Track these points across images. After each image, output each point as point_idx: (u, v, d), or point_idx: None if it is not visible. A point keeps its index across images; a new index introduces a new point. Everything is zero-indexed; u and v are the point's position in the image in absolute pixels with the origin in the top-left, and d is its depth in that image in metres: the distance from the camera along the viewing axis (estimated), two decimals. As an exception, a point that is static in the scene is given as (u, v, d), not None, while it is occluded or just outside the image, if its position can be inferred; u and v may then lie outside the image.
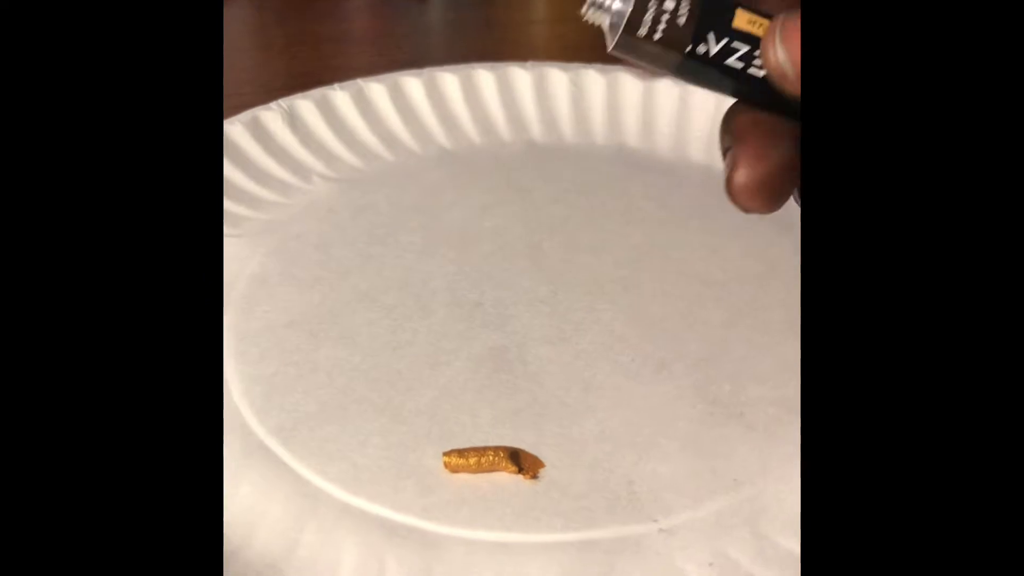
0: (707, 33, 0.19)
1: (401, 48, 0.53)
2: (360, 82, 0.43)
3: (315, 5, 0.58)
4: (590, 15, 0.20)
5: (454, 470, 0.27)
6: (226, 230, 0.35)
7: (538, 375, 0.30)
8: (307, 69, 0.50)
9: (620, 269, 0.35)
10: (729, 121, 0.19)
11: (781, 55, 0.18)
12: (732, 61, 0.19)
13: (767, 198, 0.19)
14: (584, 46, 0.52)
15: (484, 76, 0.44)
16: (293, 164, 0.40)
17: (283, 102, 0.41)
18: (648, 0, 0.19)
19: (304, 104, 0.42)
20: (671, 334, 0.32)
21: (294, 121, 0.41)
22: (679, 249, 0.36)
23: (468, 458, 0.27)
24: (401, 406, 0.29)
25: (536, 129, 0.43)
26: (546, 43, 0.55)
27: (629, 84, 0.44)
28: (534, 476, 0.27)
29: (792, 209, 0.38)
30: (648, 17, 0.19)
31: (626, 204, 0.38)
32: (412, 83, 0.43)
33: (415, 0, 0.58)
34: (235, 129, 0.40)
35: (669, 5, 0.19)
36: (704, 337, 0.32)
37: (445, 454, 0.27)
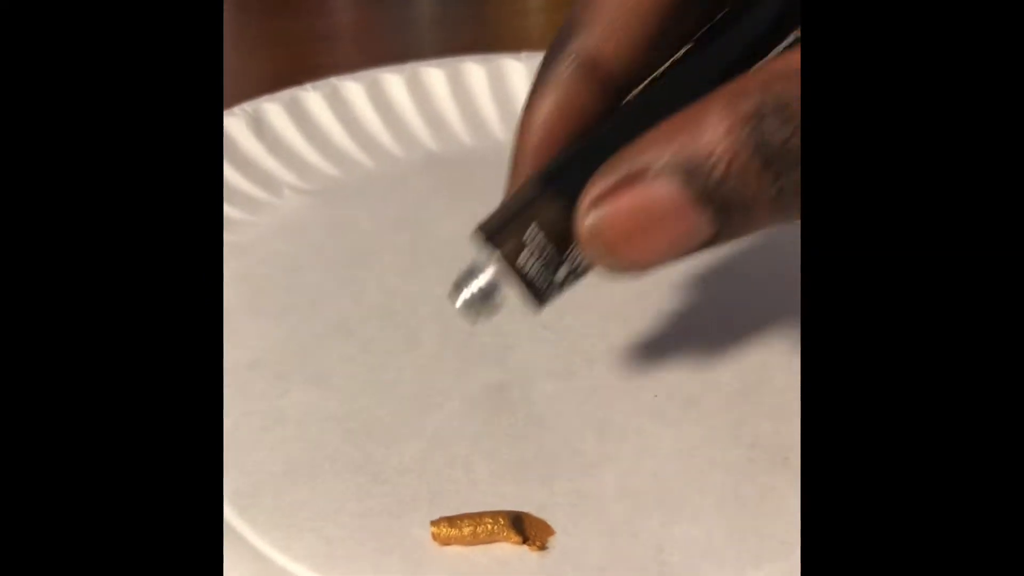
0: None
1: (384, 44, 0.49)
2: (334, 81, 0.38)
3: (292, 1, 0.54)
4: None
5: (445, 542, 0.22)
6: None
7: (545, 418, 0.26)
8: (280, 70, 0.45)
9: (638, 286, 0.30)
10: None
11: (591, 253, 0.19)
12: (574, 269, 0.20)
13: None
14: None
15: (473, 70, 0.40)
16: (261, 176, 0.35)
17: (247, 106, 0.37)
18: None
19: (271, 108, 0.37)
20: (699, 362, 0.27)
21: (261, 127, 0.36)
22: (706, 259, 0.31)
23: (462, 527, 0.22)
24: (383, 462, 0.24)
25: (534, 127, 0.39)
26: (542, 33, 0.51)
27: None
28: (542, 546, 0.22)
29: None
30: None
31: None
32: (393, 80, 0.39)
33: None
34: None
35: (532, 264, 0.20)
36: (739, 364, 0.27)
37: (433, 523, 0.23)
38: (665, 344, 0.28)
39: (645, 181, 0.17)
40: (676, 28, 0.19)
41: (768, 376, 0.27)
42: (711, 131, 0.16)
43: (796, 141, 0.16)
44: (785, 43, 0.19)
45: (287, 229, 0.33)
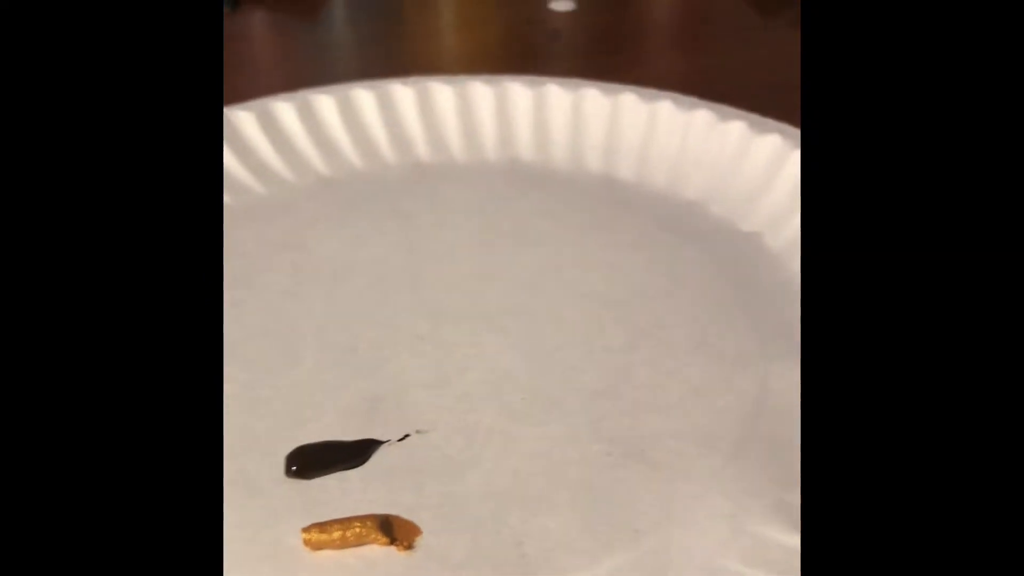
0: None
1: (297, 68, 0.50)
2: (226, 111, 0.39)
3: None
4: None
5: (317, 547, 0.23)
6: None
7: (417, 425, 0.27)
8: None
9: (511, 296, 0.32)
10: None
11: None
12: None
13: None
14: (482, 57, 0.49)
15: (363, 96, 0.41)
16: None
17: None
18: None
19: (163, 138, 0.38)
20: (566, 365, 0.29)
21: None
22: (576, 269, 0.33)
23: (331, 532, 0.23)
24: (257, 475, 0.25)
25: (423, 149, 0.40)
26: (455, 52, 0.52)
27: (519, 93, 0.41)
28: (409, 546, 0.23)
29: (696, 219, 0.36)
30: None
31: (518, 223, 0.35)
32: (284, 108, 0.40)
33: (308, 18, 0.55)
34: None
35: None
36: (602, 366, 0.29)
37: (304, 530, 0.23)
38: (535, 350, 0.29)
39: None
40: None
41: (630, 375, 0.28)
42: None
43: None
44: None
45: (176, 256, 0.34)
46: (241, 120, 0.39)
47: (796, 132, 0.37)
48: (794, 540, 0.23)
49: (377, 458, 0.26)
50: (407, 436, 0.26)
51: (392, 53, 0.51)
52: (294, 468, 0.25)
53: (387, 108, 0.41)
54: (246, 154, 0.39)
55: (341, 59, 0.51)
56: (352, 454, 0.26)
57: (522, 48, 0.50)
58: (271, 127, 0.39)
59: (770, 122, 0.38)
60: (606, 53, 0.50)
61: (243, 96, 0.43)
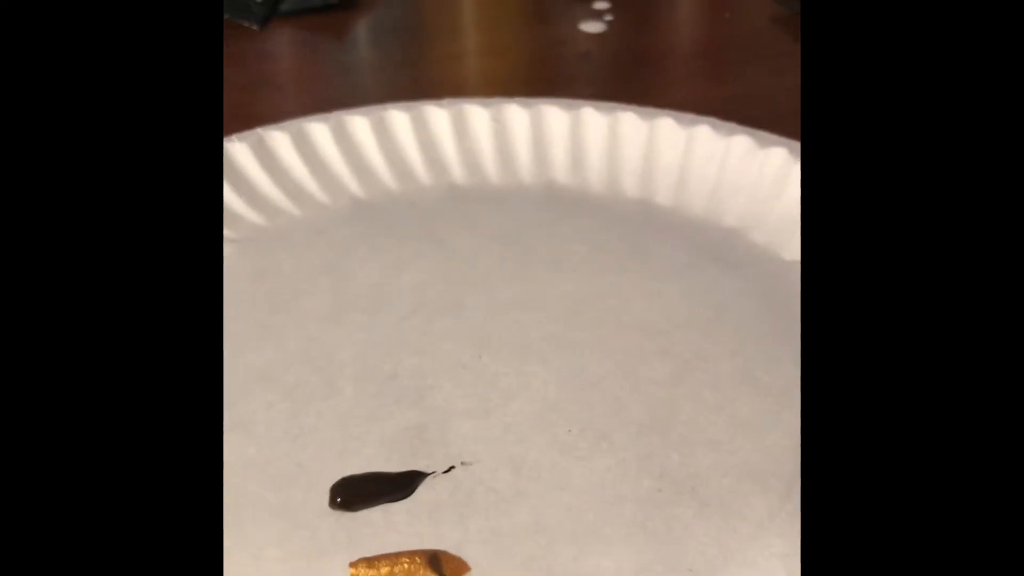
0: None
1: (321, 91, 0.49)
2: (260, 131, 0.39)
3: (225, 48, 0.54)
4: None
5: (363, 583, 0.23)
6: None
7: (461, 457, 0.26)
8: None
9: (552, 324, 0.31)
10: None
11: None
12: None
13: None
14: (511, 79, 0.49)
15: (398, 117, 0.41)
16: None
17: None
18: None
19: (198, 159, 0.38)
20: (611, 397, 0.28)
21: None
22: (616, 297, 0.32)
23: (379, 568, 0.23)
24: (302, 507, 0.25)
25: (457, 172, 0.40)
26: (477, 77, 0.52)
27: (554, 116, 0.41)
28: (458, 583, 0.23)
29: (737, 247, 0.35)
30: None
31: (557, 249, 0.35)
32: (319, 129, 0.40)
33: (335, 39, 0.55)
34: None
35: None
36: (648, 398, 0.28)
37: (352, 565, 0.23)
38: (579, 380, 0.29)
39: None
40: None
41: (676, 408, 0.28)
42: None
43: None
44: None
45: (212, 278, 0.34)
46: (275, 140, 0.39)
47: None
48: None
49: (422, 491, 0.25)
50: (452, 468, 0.26)
51: (421, 75, 0.51)
52: (339, 500, 0.25)
53: (422, 129, 0.41)
54: (281, 175, 0.38)
55: (369, 81, 0.51)
56: (397, 486, 0.25)
57: (552, 70, 0.50)
58: (306, 148, 0.39)
59: (810, 149, 0.37)
60: (638, 76, 0.50)
61: (271, 115, 0.42)
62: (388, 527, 0.24)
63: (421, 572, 0.23)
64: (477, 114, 0.41)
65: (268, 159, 0.39)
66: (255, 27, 0.56)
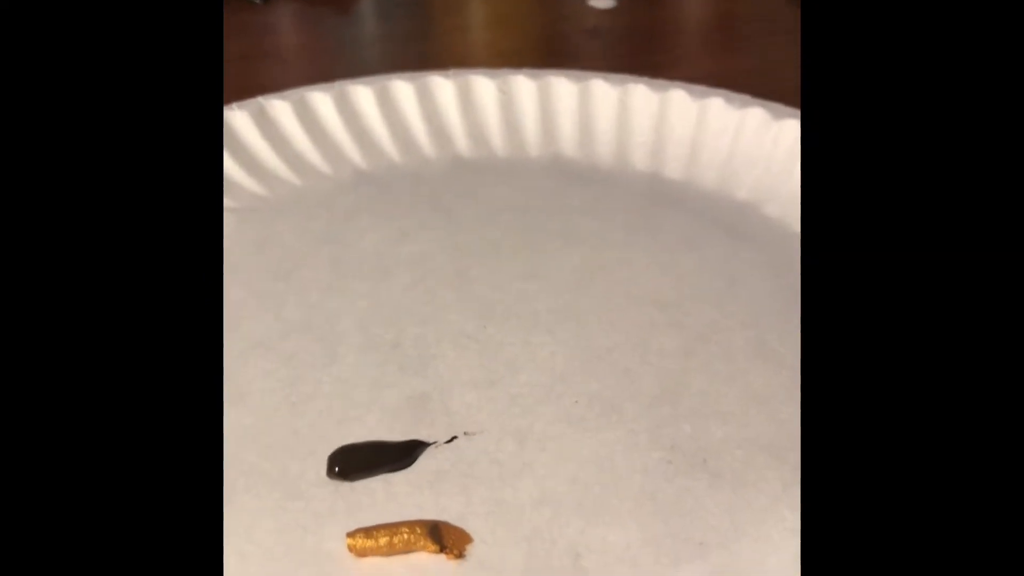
0: None
1: (328, 63, 0.48)
2: (261, 100, 0.38)
3: (230, 21, 0.53)
4: None
5: (361, 554, 0.22)
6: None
7: (465, 427, 0.25)
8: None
9: (559, 296, 0.30)
10: None
11: None
12: None
13: None
14: (519, 54, 0.48)
15: (402, 87, 0.40)
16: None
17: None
18: None
19: (197, 127, 0.37)
20: (620, 369, 0.27)
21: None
22: (625, 269, 0.31)
23: (378, 538, 0.22)
24: (299, 477, 0.24)
25: (462, 143, 0.39)
26: (485, 49, 0.51)
27: (563, 88, 0.40)
28: (460, 554, 0.22)
29: (750, 219, 0.34)
30: None
31: (564, 222, 0.34)
32: (321, 98, 0.39)
33: (340, 12, 0.54)
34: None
35: None
36: (658, 370, 0.27)
37: (349, 535, 0.22)
38: (587, 352, 0.28)
39: None
40: None
41: (687, 381, 0.27)
42: None
43: None
44: None
45: (210, 247, 0.33)
46: (277, 110, 0.38)
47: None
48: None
49: (424, 461, 0.24)
50: (455, 438, 0.25)
51: (426, 49, 0.50)
52: (336, 469, 0.24)
53: (427, 101, 0.40)
54: (282, 144, 0.37)
55: (374, 54, 0.50)
56: (397, 456, 0.24)
57: (560, 45, 0.49)
58: (308, 117, 0.38)
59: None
60: (649, 51, 0.49)
61: (274, 87, 0.42)
62: (388, 497, 0.23)
63: (421, 543, 0.22)
64: (483, 85, 0.40)
65: (269, 128, 0.38)
66: (260, 0, 0.55)
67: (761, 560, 0.22)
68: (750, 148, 0.37)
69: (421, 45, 0.50)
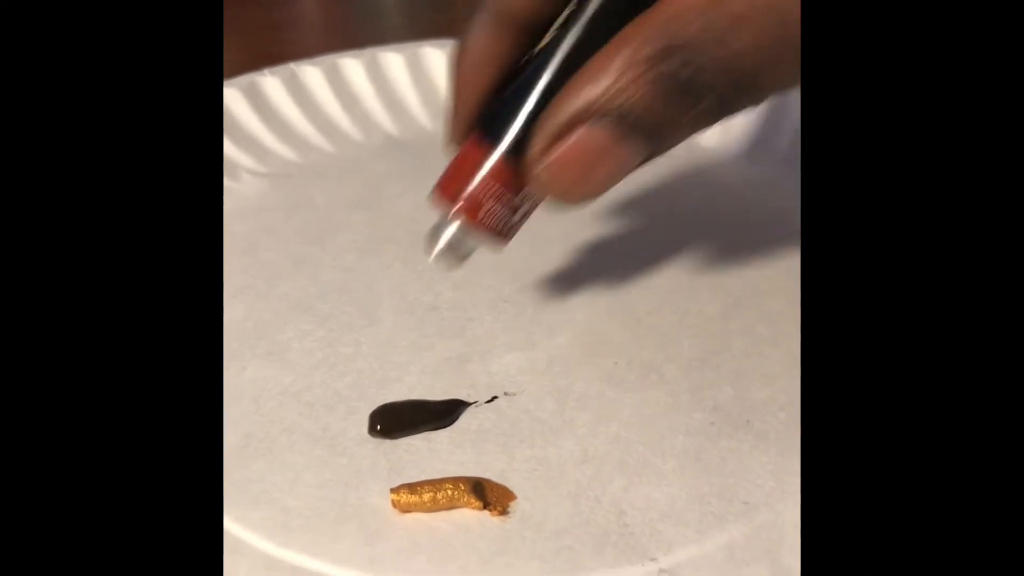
0: None
1: (349, 32, 0.48)
2: (293, 66, 0.38)
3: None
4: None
5: (405, 509, 0.22)
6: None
7: (504, 388, 0.25)
8: (239, 59, 0.45)
9: (597, 259, 0.30)
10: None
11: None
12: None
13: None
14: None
15: (432, 54, 0.39)
16: (217, 160, 0.35)
17: (203, 90, 0.36)
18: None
19: (230, 93, 0.37)
20: (660, 331, 0.27)
21: (217, 111, 0.36)
22: (664, 232, 0.31)
23: (421, 494, 0.22)
24: (341, 434, 0.24)
25: (494, 111, 0.38)
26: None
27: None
28: (503, 511, 0.22)
29: (790, 192, 0.34)
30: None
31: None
32: (352, 65, 0.39)
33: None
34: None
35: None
36: (699, 333, 0.27)
37: (393, 491, 0.22)
38: (626, 314, 0.28)
39: (579, 129, 0.19)
40: None
41: (728, 343, 0.27)
42: (624, 75, 0.18)
43: (699, 71, 0.18)
44: None
45: (244, 211, 0.33)
46: (308, 76, 0.38)
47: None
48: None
49: (464, 420, 0.24)
50: (495, 398, 0.25)
51: (457, 17, 0.49)
52: (378, 427, 0.24)
53: (457, 68, 0.39)
54: (314, 111, 0.37)
55: (403, 22, 0.49)
56: (438, 415, 0.24)
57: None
58: (339, 83, 0.38)
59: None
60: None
61: (302, 55, 0.41)
62: (430, 455, 0.23)
63: (465, 499, 0.22)
64: (515, 52, 0.40)
65: (301, 94, 0.37)
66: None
67: (807, 519, 0.22)
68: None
69: (449, 14, 0.50)
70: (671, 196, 0.33)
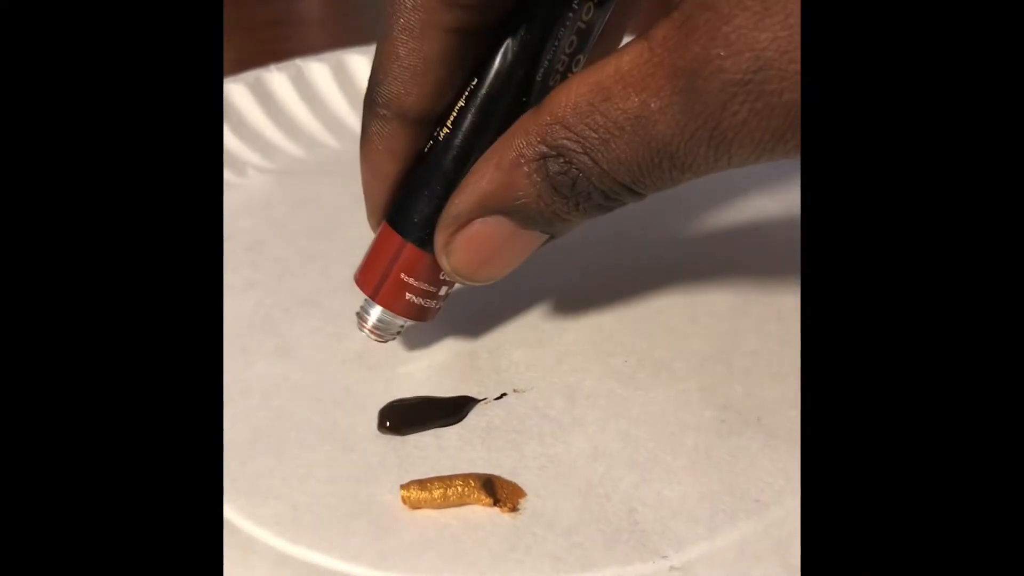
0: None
1: (352, 29, 0.48)
2: (299, 62, 0.38)
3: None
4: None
5: (415, 506, 0.22)
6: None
7: (514, 384, 0.25)
8: (245, 55, 0.45)
9: (605, 258, 0.30)
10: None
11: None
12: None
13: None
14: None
15: (440, 51, 0.39)
16: (224, 157, 0.35)
17: (210, 85, 0.36)
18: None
19: (235, 89, 0.37)
20: (670, 328, 0.27)
21: (225, 108, 0.36)
22: (673, 226, 0.31)
23: (432, 490, 0.22)
24: (350, 430, 0.24)
25: (501, 108, 0.38)
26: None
27: (603, 53, 0.39)
28: (514, 508, 0.22)
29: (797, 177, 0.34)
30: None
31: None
32: (358, 61, 0.39)
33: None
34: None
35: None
36: (709, 330, 0.27)
37: (403, 487, 0.22)
38: (635, 311, 0.28)
39: (475, 223, 0.21)
40: (461, 68, 0.21)
41: (738, 341, 0.27)
42: (512, 173, 0.20)
43: (581, 173, 0.19)
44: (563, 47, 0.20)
45: (251, 207, 0.33)
46: (314, 72, 0.38)
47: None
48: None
49: (474, 416, 0.24)
50: (504, 395, 0.25)
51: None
52: (387, 423, 0.24)
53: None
54: (319, 107, 0.37)
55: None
56: (448, 411, 0.24)
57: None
58: (345, 80, 0.38)
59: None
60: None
61: (306, 52, 0.41)
62: (440, 451, 0.23)
63: (475, 495, 0.22)
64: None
65: (307, 90, 0.37)
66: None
67: (818, 517, 0.22)
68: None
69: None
70: (680, 193, 0.33)
